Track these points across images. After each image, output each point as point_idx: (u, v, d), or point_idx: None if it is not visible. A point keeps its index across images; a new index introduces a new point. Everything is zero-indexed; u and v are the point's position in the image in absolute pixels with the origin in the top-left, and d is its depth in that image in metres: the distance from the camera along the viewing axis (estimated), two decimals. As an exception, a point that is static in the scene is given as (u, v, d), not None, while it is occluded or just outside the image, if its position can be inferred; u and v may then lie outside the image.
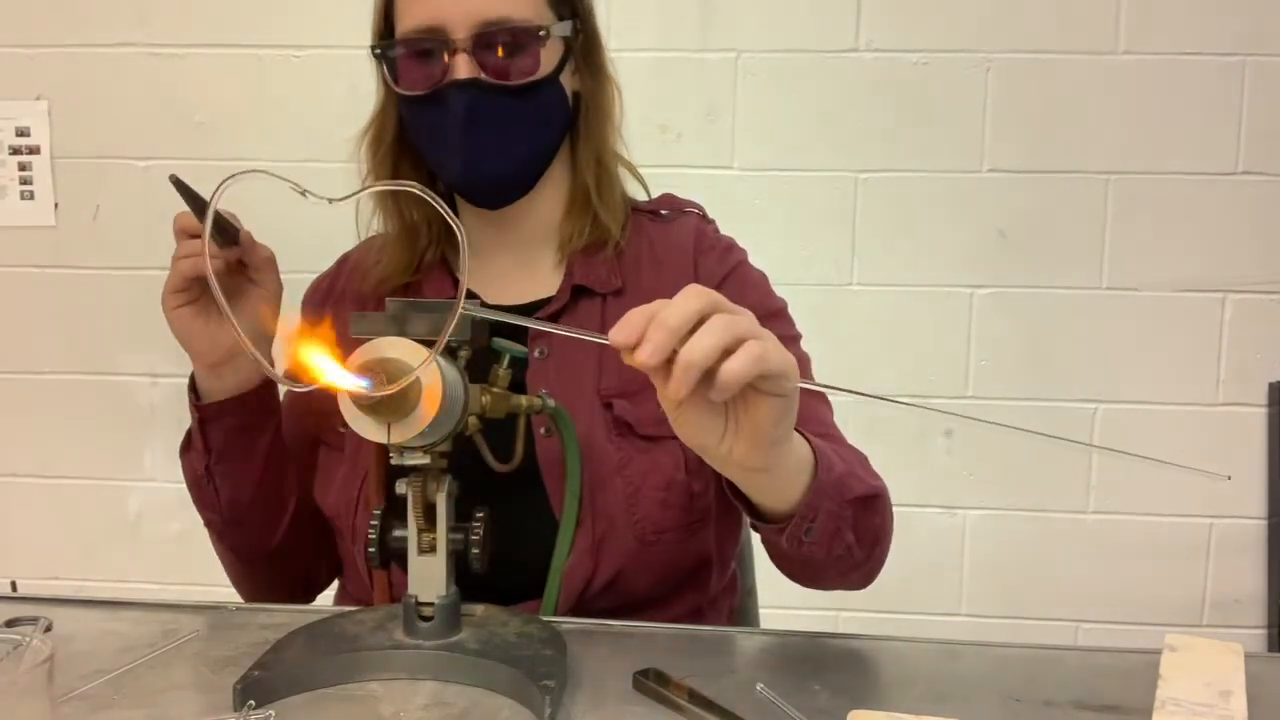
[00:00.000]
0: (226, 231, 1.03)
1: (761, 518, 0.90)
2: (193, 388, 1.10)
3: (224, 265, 1.03)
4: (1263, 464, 2.12)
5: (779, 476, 0.85)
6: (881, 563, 1.02)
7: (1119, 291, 2.09)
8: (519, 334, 1.09)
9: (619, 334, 0.70)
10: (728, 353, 0.70)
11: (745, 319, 0.73)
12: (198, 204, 0.99)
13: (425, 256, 1.17)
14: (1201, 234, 2.07)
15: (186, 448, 1.12)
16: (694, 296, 0.72)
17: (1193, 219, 2.06)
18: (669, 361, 0.70)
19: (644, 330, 0.70)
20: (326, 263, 1.26)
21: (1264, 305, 2.08)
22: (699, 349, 0.70)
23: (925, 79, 2.06)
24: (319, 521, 1.15)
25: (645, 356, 0.69)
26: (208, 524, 1.16)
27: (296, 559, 1.17)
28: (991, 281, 2.10)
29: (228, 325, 1.04)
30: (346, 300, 1.18)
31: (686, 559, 1.10)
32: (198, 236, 1.02)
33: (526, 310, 1.13)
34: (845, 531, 0.92)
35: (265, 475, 1.11)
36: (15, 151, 2.20)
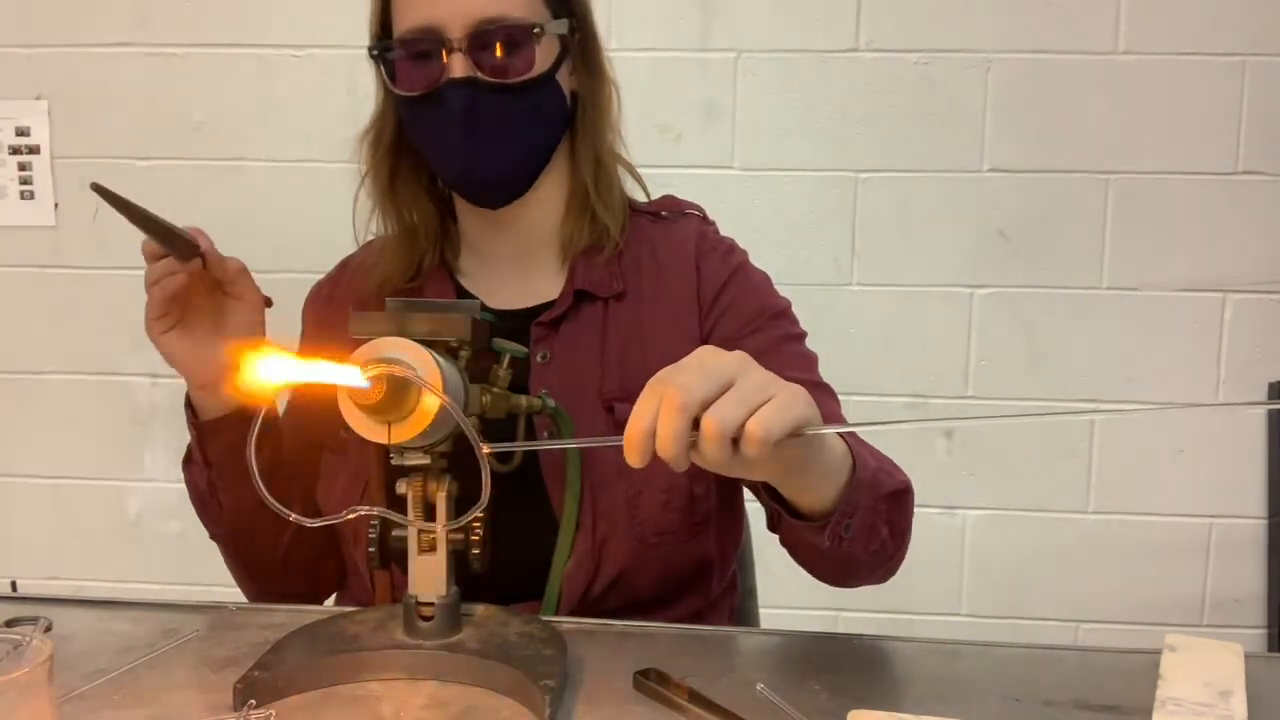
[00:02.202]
0: (182, 246, 0.99)
1: (799, 517, 0.91)
2: (190, 404, 1.10)
3: (187, 281, 1.01)
4: (1263, 464, 2.12)
5: (816, 476, 0.86)
6: (904, 556, 1.03)
7: (1119, 291, 2.09)
8: (519, 334, 1.09)
9: (633, 459, 0.73)
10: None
11: (747, 386, 0.73)
12: (127, 210, 0.95)
13: (425, 260, 1.16)
14: (1201, 234, 2.07)
15: (188, 462, 1.13)
16: (678, 408, 0.71)
17: (1193, 219, 2.06)
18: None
19: (650, 446, 0.72)
20: (324, 262, 1.26)
21: (1264, 305, 2.08)
22: (713, 455, 0.72)
23: (925, 79, 2.06)
24: (324, 527, 1.15)
25: (673, 460, 0.72)
26: (213, 536, 1.16)
27: (303, 566, 1.17)
28: (991, 281, 2.10)
29: (217, 343, 1.04)
30: (348, 303, 1.18)
31: (687, 562, 1.10)
32: (163, 257, 1.01)
33: (529, 314, 1.13)
34: (881, 526, 0.93)
35: (268, 487, 1.11)
36: (15, 151, 2.20)
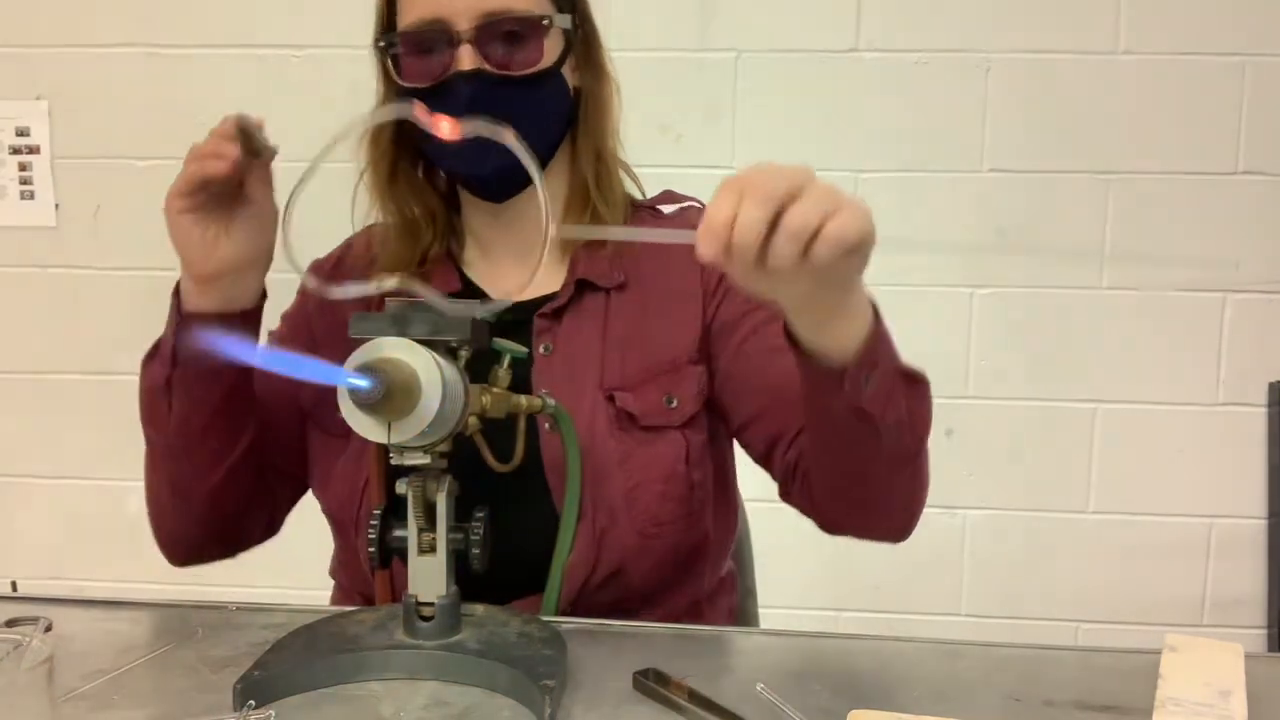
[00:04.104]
0: (255, 143, 0.98)
1: (821, 378, 0.91)
2: (177, 294, 1.06)
3: (230, 169, 0.98)
4: (1263, 464, 2.12)
5: (846, 315, 0.87)
6: (925, 477, 1.02)
7: (1119, 291, 2.09)
8: (523, 326, 1.10)
9: (707, 249, 0.75)
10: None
11: (817, 192, 0.75)
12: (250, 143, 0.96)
13: (430, 251, 1.16)
14: (1201, 234, 2.07)
15: (151, 357, 1.08)
16: (762, 198, 0.74)
17: (1193, 219, 2.06)
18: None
19: (727, 237, 0.74)
20: (322, 253, 1.25)
21: (1264, 305, 2.08)
22: (788, 249, 0.74)
23: (925, 79, 2.06)
24: (265, 475, 1.13)
25: (746, 241, 0.74)
26: (149, 444, 1.11)
27: (232, 505, 1.12)
28: (991, 281, 2.10)
29: (224, 242, 1.00)
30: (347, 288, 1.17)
31: (684, 551, 1.11)
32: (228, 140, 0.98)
33: (530, 306, 1.13)
34: (899, 398, 0.92)
35: (224, 406, 1.07)
36: (15, 151, 2.20)
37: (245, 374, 1.09)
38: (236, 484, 1.11)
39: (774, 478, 1.10)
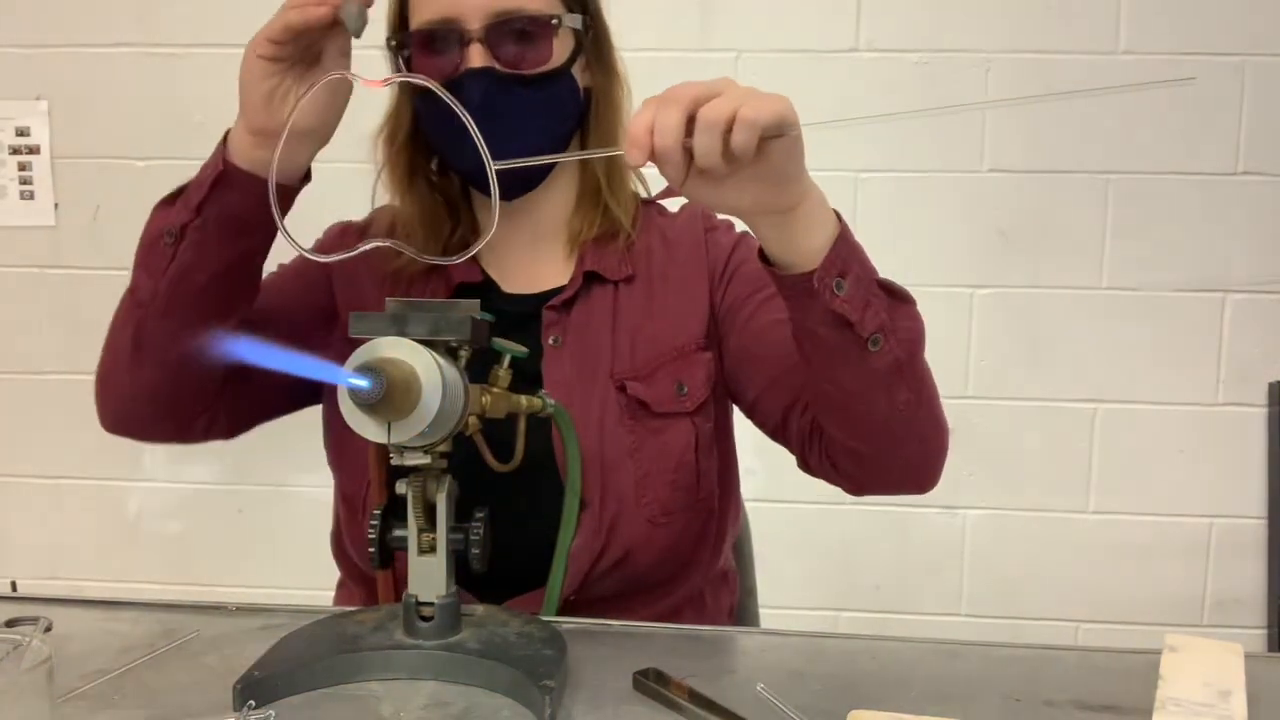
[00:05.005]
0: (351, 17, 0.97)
1: (795, 288, 0.93)
2: (223, 143, 1.04)
3: (326, 17, 0.96)
4: (1263, 464, 2.12)
5: (804, 216, 0.90)
6: (937, 422, 1.02)
7: (1119, 291, 2.09)
8: (532, 319, 1.11)
9: (632, 156, 0.81)
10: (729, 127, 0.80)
11: (735, 90, 0.81)
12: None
13: (451, 242, 1.16)
14: (1201, 234, 2.07)
15: (168, 202, 1.05)
16: (674, 101, 0.80)
17: (1193, 219, 2.06)
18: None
19: (650, 141, 0.80)
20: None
21: (1264, 305, 2.08)
22: (706, 144, 0.80)
23: (925, 79, 2.06)
24: (238, 368, 1.08)
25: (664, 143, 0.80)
26: (133, 291, 1.06)
27: (192, 383, 1.09)
28: (991, 281, 2.10)
29: (291, 102, 1.00)
30: (369, 263, 1.14)
31: (690, 538, 1.12)
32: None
33: (540, 299, 1.14)
34: (879, 308, 0.94)
35: (230, 271, 1.04)
36: (15, 151, 2.20)
37: (265, 244, 1.05)
38: (207, 363, 1.06)
39: (792, 449, 1.11)
